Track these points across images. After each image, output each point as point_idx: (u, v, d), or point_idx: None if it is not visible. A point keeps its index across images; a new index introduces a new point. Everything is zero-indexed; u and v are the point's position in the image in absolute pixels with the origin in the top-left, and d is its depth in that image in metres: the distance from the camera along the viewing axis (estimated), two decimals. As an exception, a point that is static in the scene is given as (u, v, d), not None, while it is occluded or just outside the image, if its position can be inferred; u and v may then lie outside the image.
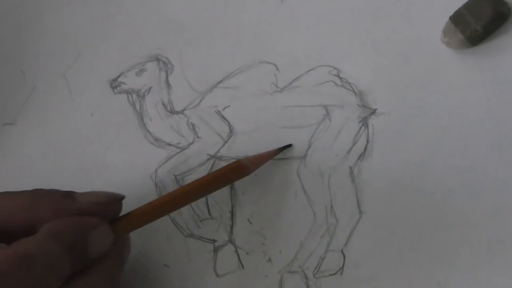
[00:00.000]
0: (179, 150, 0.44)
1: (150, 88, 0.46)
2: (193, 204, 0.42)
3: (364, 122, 0.41)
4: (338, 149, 0.41)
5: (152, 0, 0.49)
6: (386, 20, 0.42)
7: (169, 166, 0.44)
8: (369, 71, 0.42)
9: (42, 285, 0.33)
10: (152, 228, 0.40)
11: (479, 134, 0.39)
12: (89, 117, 0.47)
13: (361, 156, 0.41)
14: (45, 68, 0.49)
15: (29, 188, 0.38)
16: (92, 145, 0.46)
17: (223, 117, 0.44)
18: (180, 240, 0.42)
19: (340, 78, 0.42)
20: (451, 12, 0.40)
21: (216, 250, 0.41)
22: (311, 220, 0.40)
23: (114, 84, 0.47)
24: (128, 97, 0.47)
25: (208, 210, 0.42)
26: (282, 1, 0.45)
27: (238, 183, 0.42)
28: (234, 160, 0.42)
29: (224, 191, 0.42)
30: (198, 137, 0.44)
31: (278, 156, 0.42)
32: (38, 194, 0.37)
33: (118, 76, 0.47)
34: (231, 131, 0.44)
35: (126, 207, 0.39)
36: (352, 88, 0.42)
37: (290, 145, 0.42)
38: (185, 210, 0.41)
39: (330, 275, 0.39)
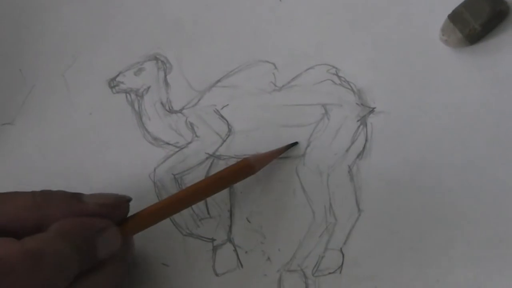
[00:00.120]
0: (177, 149, 0.44)
1: (149, 87, 0.46)
2: (191, 203, 0.42)
3: (362, 120, 0.41)
4: (337, 148, 0.41)
5: (151, 0, 0.49)
6: (384, 19, 0.42)
7: (167, 165, 0.44)
8: (367, 69, 0.42)
9: (49, 283, 0.33)
10: (151, 228, 0.40)
11: (478, 132, 0.39)
12: (87, 116, 0.47)
13: (360, 155, 0.41)
14: (44, 67, 0.49)
15: (29, 187, 0.38)
16: (90, 145, 0.46)
17: (222, 116, 0.44)
18: (179, 239, 0.42)
19: (339, 76, 0.42)
20: (450, 11, 0.40)
21: (215, 249, 0.41)
22: (310, 219, 0.40)
23: (113, 83, 0.47)
24: (126, 96, 0.47)
25: (207, 209, 0.42)
26: (280, 0, 0.45)
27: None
28: (234, 158, 0.42)
29: (223, 190, 0.42)
30: (196, 136, 0.44)
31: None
32: (46, 195, 0.37)
33: (117, 76, 0.47)
34: (229, 130, 0.44)
35: (125, 207, 0.39)
36: (351, 86, 0.42)
37: (296, 143, 0.42)
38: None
39: (329, 273, 0.39)
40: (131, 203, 0.39)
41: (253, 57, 0.45)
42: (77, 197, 0.38)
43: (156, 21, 0.48)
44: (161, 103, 0.46)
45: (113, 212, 0.38)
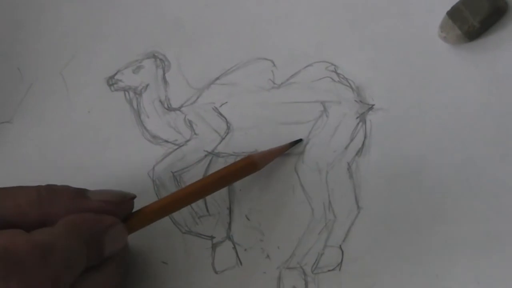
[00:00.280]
0: (176, 147, 0.44)
1: (147, 85, 0.46)
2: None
3: (361, 118, 0.41)
4: (335, 145, 0.41)
5: (149, -2, 0.49)
6: (383, 16, 0.42)
7: (166, 163, 0.44)
8: (366, 66, 0.42)
9: (57, 276, 0.33)
10: (149, 226, 0.39)
11: (476, 129, 0.39)
12: (86, 115, 0.47)
13: (359, 152, 0.41)
14: (42, 66, 0.49)
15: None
16: (89, 143, 0.46)
17: (220, 114, 0.44)
18: (178, 237, 0.42)
19: (338, 74, 0.42)
20: (449, 8, 0.40)
21: (214, 246, 0.41)
22: (309, 216, 0.40)
23: (111, 81, 0.47)
24: (125, 94, 0.47)
25: (206, 207, 0.42)
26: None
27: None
28: (233, 155, 0.42)
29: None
30: (195, 134, 0.44)
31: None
32: (50, 190, 0.37)
33: (115, 74, 0.47)
34: (228, 127, 0.44)
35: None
36: (350, 84, 0.42)
37: (300, 140, 0.42)
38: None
39: (329, 270, 0.39)
40: (130, 201, 0.40)
41: (252, 55, 0.45)
42: (82, 193, 0.38)
43: (154, 19, 0.48)
44: (160, 101, 0.46)
45: (117, 209, 0.38)
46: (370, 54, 0.42)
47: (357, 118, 0.41)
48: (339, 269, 0.39)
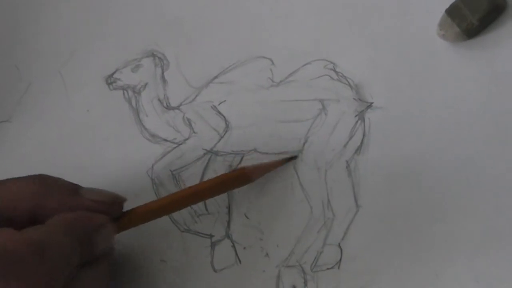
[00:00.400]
0: (175, 145, 0.44)
1: (146, 84, 0.46)
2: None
3: (360, 116, 0.41)
4: (334, 143, 0.41)
5: (148, -4, 0.49)
6: (382, 13, 0.42)
7: (165, 162, 0.44)
8: (365, 64, 0.42)
9: (51, 274, 0.33)
10: (148, 224, 0.40)
11: (476, 126, 0.39)
12: (85, 113, 0.47)
13: (358, 150, 0.41)
14: (41, 64, 0.49)
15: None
16: (88, 142, 0.46)
17: (219, 112, 0.44)
18: (177, 235, 0.42)
19: (336, 72, 0.42)
20: (447, 5, 0.40)
21: (213, 245, 0.41)
22: (308, 215, 0.40)
23: (110, 80, 0.47)
24: (124, 93, 0.47)
25: (205, 205, 0.42)
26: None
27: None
28: (231, 154, 0.42)
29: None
30: (194, 132, 0.44)
31: (274, 151, 0.42)
32: (44, 185, 0.37)
33: (114, 73, 0.47)
34: (227, 126, 0.44)
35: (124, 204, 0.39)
36: (348, 82, 0.42)
37: (295, 157, 0.42)
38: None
39: (328, 269, 0.39)
40: (128, 200, 0.39)
41: (251, 53, 0.45)
42: (75, 191, 0.38)
43: (153, 18, 0.48)
44: (159, 99, 0.46)
45: (108, 210, 0.38)
46: (369, 52, 0.42)
47: (356, 116, 0.41)
48: (338, 267, 0.39)
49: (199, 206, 0.42)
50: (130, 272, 0.42)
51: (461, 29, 0.40)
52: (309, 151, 0.41)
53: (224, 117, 0.44)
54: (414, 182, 0.39)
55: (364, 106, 0.41)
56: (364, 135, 0.41)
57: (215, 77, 0.45)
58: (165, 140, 0.44)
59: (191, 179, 0.41)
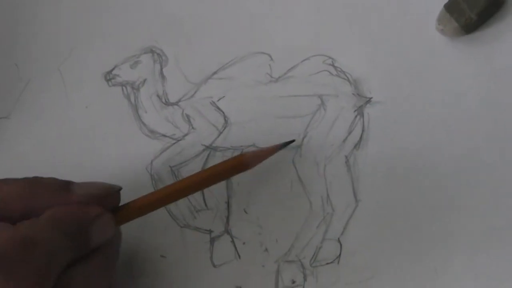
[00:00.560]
0: (174, 141, 0.44)
1: (145, 80, 0.46)
2: (189, 195, 0.42)
3: (359, 111, 0.41)
4: (333, 138, 0.41)
5: (146, -7, 0.49)
6: (380, 9, 0.42)
7: (164, 158, 0.44)
8: (364, 60, 0.42)
9: (41, 269, 0.33)
10: (148, 220, 0.40)
11: (474, 121, 0.39)
12: (84, 110, 0.47)
13: (357, 145, 0.41)
14: (40, 61, 0.49)
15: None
16: (87, 138, 0.46)
17: (218, 108, 0.44)
18: (177, 231, 0.42)
19: (335, 67, 0.42)
20: (446, 0, 0.40)
21: (212, 240, 0.41)
22: (307, 210, 0.40)
23: (109, 76, 0.47)
24: (122, 89, 0.47)
25: (204, 201, 0.42)
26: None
27: (234, 174, 0.42)
28: (230, 150, 0.42)
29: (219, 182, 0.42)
30: (193, 128, 0.44)
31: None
32: (35, 184, 0.37)
33: (113, 69, 0.47)
34: (226, 121, 0.44)
35: (122, 200, 0.39)
36: (347, 77, 0.42)
37: (293, 141, 0.42)
38: (181, 201, 0.40)
39: (327, 263, 0.39)
40: (128, 196, 0.39)
41: (249, 49, 0.45)
42: (66, 187, 0.37)
43: (152, 14, 0.48)
44: (158, 95, 0.46)
45: (102, 202, 0.37)
46: (367, 47, 0.42)
47: (354, 111, 0.41)
48: (338, 262, 0.39)
49: (198, 202, 0.42)
50: (130, 268, 0.42)
51: (460, 24, 0.40)
52: (308, 146, 0.41)
53: (223, 112, 0.44)
54: (413, 177, 0.39)
55: (363, 101, 0.41)
56: (363, 130, 0.41)
57: (214, 73, 0.45)
58: (164, 136, 0.44)
59: (190, 174, 0.41)
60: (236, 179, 0.42)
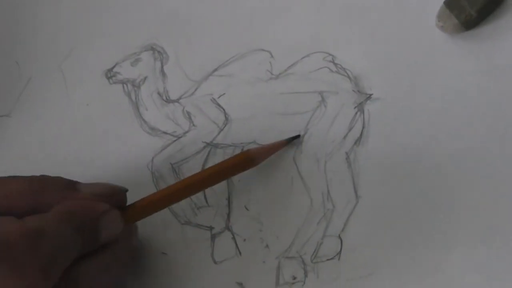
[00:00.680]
0: (175, 138, 0.44)
1: (146, 77, 0.46)
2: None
3: (359, 107, 0.41)
4: (334, 135, 0.41)
5: (147, -9, 0.49)
6: (380, 5, 0.42)
7: (165, 155, 0.44)
8: (364, 56, 0.42)
9: (48, 262, 0.33)
10: (149, 217, 0.40)
11: (474, 118, 0.39)
12: (85, 107, 0.47)
13: (357, 142, 0.41)
14: (40, 59, 0.49)
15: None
16: (88, 136, 0.46)
17: (219, 105, 0.44)
18: (177, 228, 0.42)
19: (335, 64, 0.42)
20: (445, -3, 0.41)
21: (213, 237, 0.41)
22: (308, 206, 0.40)
23: (110, 74, 0.47)
24: (123, 87, 0.47)
25: (205, 198, 0.42)
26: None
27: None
28: (231, 147, 0.42)
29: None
30: (194, 125, 0.44)
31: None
32: (42, 182, 0.37)
33: (113, 67, 0.47)
34: (226, 118, 0.44)
35: (124, 197, 0.39)
36: (347, 74, 0.42)
37: (298, 136, 0.42)
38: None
39: (328, 260, 0.39)
40: (129, 194, 0.39)
41: (249, 46, 0.45)
42: (72, 186, 0.38)
43: (152, 12, 0.48)
44: (158, 93, 0.46)
45: (108, 202, 0.38)
46: (367, 44, 0.42)
47: (355, 108, 0.41)
48: (338, 258, 0.39)
49: (199, 199, 0.42)
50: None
51: (460, 20, 0.40)
52: (309, 143, 0.42)
53: (223, 110, 0.44)
54: (413, 173, 0.39)
55: (363, 98, 0.41)
56: (363, 127, 0.41)
57: (215, 70, 0.45)
58: (165, 133, 0.45)
59: (191, 172, 0.41)
60: (237, 176, 0.42)
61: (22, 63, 0.50)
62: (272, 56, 0.44)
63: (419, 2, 0.42)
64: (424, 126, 0.40)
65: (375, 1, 0.43)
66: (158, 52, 0.47)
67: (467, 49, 0.40)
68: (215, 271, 0.41)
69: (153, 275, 0.42)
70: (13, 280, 0.32)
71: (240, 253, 0.41)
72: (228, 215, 0.42)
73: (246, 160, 0.40)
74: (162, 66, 0.46)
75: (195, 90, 0.45)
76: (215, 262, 0.41)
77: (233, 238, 0.41)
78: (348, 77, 0.42)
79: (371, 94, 0.41)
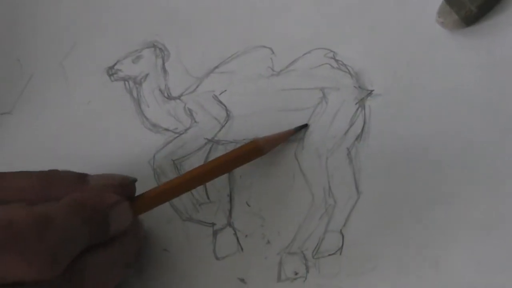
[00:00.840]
0: (176, 135, 0.44)
1: (147, 74, 0.46)
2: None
3: (360, 103, 0.41)
4: (335, 131, 0.41)
5: (148, -12, 0.49)
6: (381, 2, 0.42)
7: (167, 151, 0.44)
8: (365, 52, 0.42)
9: (55, 250, 0.33)
10: (150, 213, 0.40)
11: (475, 113, 0.39)
12: (86, 105, 0.47)
13: (358, 137, 0.41)
14: (42, 57, 0.49)
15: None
16: (90, 133, 0.46)
17: (220, 102, 0.44)
18: (179, 224, 0.42)
19: (336, 60, 0.43)
20: (446, -7, 0.41)
21: (215, 233, 0.42)
22: (309, 202, 0.40)
23: (111, 71, 0.47)
24: (125, 84, 0.47)
25: (207, 194, 0.42)
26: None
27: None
28: (233, 143, 0.43)
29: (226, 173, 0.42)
30: (195, 122, 0.44)
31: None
32: (51, 176, 0.37)
33: (115, 64, 0.47)
34: (228, 115, 0.44)
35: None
36: (348, 70, 0.42)
37: (306, 125, 0.42)
38: (183, 194, 0.41)
39: (329, 255, 0.39)
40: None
41: (251, 43, 0.45)
42: (82, 178, 0.38)
43: (153, 9, 0.48)
44: (160, 90, 0.46)
45: (119, 193, 0.38)
46: (368, 40, 0.42)
47: (356, 104, 0.41)
48: (340, 254, 0.39)
49: (200, 195, 0.42)
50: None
51: (460, 16, 0.40)
52: (310, 139, 0.42)
53: (225, 106, 0.44)
54: (414, 169, 0.39)
55: (364, 94, 0.41)
56: (364, 123, 0.41)
57: (216, 67, 0.45)
58: (167, 129, 0.45)
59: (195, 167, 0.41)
60: (238, 171, 0.42)
61: (24, 61, 0.50)
62: (273, 53, 0.44)
63: (420, -2, 0.42)
64: (425, 122, 0.40)
65: (376, -2, 0.43)
66: (160, 49, 0.47)
67: (467, 45, 0.41)
68: (217, 267, 0.41)
69: (155, 272, 0.42)
70: (20, 266, 0.32)
71: (242, 249, 0.41)
72: (230, 211, 0.42)
73: (254, 149, 0.40)
74: (163, 63, 0.46)
75: (197, 87, 0.45)
76: (217, 258, 0.41)
77: (235, 234, 0.41)
78: (349, 73, 0.42)
79: (372, 90, 0.41)
